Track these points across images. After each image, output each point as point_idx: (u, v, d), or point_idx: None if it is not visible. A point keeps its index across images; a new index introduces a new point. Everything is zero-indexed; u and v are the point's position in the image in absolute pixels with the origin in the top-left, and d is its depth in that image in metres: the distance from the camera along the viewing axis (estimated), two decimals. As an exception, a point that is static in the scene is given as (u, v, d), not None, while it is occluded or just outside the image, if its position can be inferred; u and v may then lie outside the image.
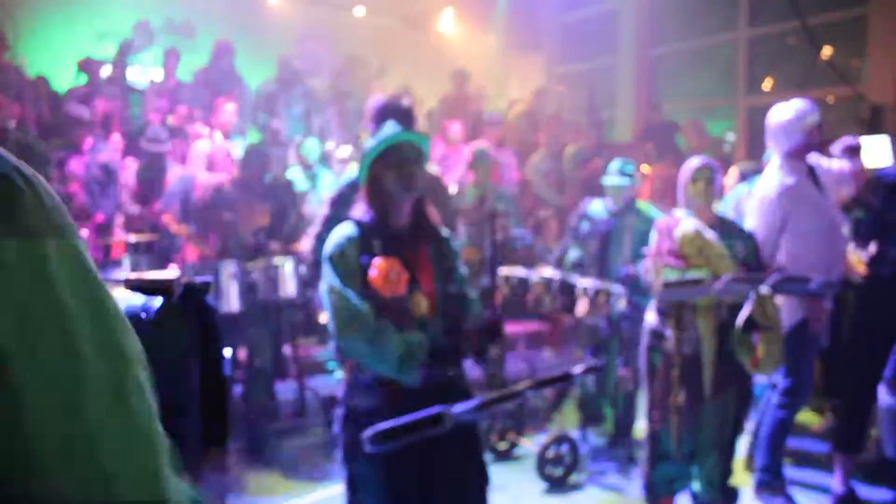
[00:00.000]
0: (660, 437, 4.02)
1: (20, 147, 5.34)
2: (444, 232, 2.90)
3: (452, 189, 6.18)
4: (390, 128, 2.80)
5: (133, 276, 1.19)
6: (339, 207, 3.98)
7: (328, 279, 2.67)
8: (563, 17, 11.94)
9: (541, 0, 11.34)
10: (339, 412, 2.75)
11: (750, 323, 3.65)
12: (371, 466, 2.56)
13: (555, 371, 2.80)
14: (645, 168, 7.55)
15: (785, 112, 4.27)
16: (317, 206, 6.75)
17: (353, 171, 4.10)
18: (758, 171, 5.96)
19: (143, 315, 1.13)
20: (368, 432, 2.14)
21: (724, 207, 4.69)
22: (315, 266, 4.08)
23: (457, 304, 2.81)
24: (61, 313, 0.67)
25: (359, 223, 2.75)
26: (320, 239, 3.75)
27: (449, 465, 2.63)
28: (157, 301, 1.16)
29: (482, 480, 2.83)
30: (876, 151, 7.51)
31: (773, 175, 4.25)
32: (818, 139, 4.31)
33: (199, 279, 1.30)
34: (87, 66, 7.96)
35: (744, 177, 5.79)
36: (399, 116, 4.06)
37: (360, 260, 2.65)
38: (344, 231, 2.74)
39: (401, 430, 2.16)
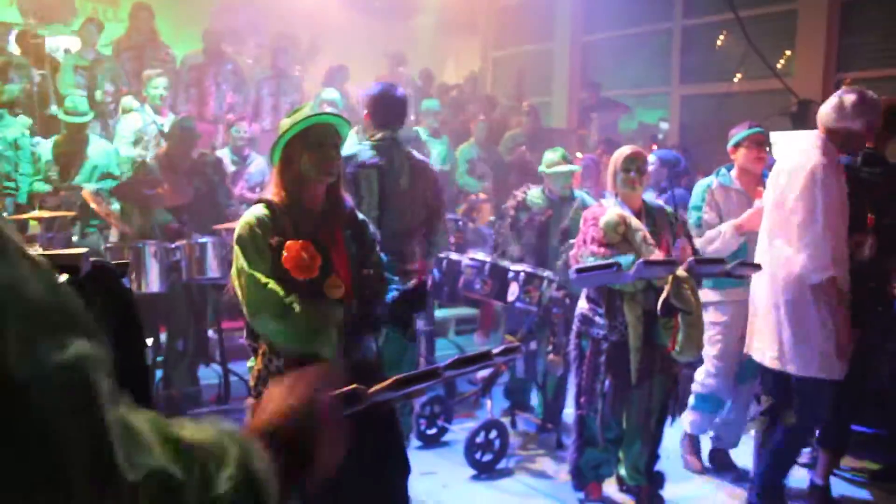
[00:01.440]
0: (587, 423, 4.04)
1: None
2: (360, 216, 2.87)
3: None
4: (306, 109, 2.74)
5: (37, 251, 1.13)
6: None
7: (237, 262, 2.61)
8: (499, 1, 11.92)
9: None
10: (249, 402, 2.67)
11: (669, 307, 3.66)
12: None
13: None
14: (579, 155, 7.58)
15: None
16: (247, 191, 6.60)
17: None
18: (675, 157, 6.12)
19: None
20: None
21: (694, 201, 4.66)
22: None
23: (374, 288, 2.78)
24: None
25: (269, 204, 2.68)
26: None
27: (367, 452, 2.58)
28: (62, 277, 1.10)
29: (403, 468, 2.79)
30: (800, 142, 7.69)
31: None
32: None
33: (114, 261, 1.28)
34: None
35: (664, 163, 5.91)
36: (395, 105, 4.02)
37: (270, 241, 2.58)
38: (255, 212, 2.67)
39: None
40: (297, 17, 9.91)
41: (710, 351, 4.54)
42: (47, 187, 5.79)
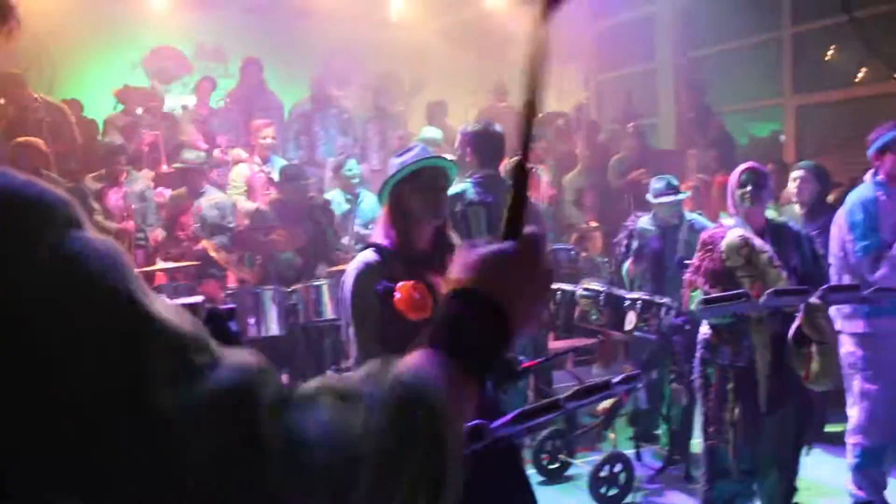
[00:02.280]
0: (717, 454, 3.86)
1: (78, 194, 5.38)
2: None
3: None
4: (417, 150, 2.75)
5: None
6: None
7: (348, 315, 2.66)
8: (597, 25, 11.80)
9: (574, 10, 11.20)
10: None
11: (802, 336, 3.47)
12: None
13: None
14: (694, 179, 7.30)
15: None
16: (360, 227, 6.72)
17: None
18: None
19: None
20: None
21: (854, 216, 4.11)
22: None
23: None
24: (104, 301, 0.69)
25: (379, 248, 2.70)
26: None
27: (491, 487, 2.54)
28: None
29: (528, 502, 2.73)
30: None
31: None
32: None
33: (223, 306, 1.31)
34: (124, 94, 8.05)
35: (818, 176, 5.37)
36: (495, 142, 4.04)
37: (378, 286, 2.59)
38: (364, 257, 2.70)
39: None
40: (399, 55, 10.13)
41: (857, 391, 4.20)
42: (163, 234, 6.07)
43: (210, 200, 6.36)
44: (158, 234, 6.25)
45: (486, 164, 4.01)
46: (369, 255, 2.69)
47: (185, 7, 9.42)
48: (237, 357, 0.78)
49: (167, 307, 0.75)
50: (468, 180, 4.06)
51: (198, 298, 1.22)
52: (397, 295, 2.55)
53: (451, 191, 3.42)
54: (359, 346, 2.60)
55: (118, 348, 0.69)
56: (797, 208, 5.31)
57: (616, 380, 2.48)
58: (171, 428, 0.68)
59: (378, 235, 2.76)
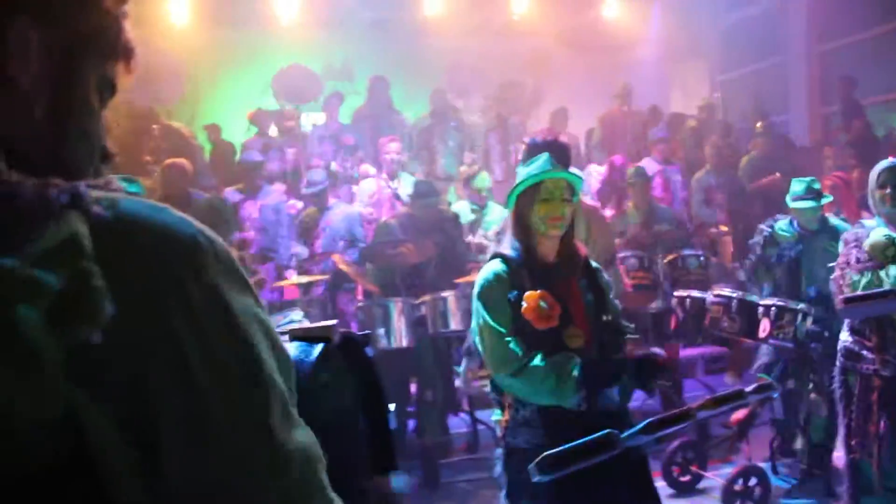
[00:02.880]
0: (861, 469, 3.69)
1: (211, 208, 5.74)
2: (594, 263, 2.87)
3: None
4: (541, 163, 2.77)
5: (294, 327, 1.26)
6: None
7: (478, 317, 2.69)
8: (722, 20, 11.44)
9: (698, 4, 10.90)
10: (499, 452, 2.73)
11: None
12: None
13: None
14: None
15: None
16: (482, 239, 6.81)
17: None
18: None
19: (304, 360, 1.19)
20: (536, 460, 2.07)
21: None
22: None
23: (611, 336, 2.76)
24: (249, 350, 0.78)
25: (506, 258, 2.74)
26: None
27: (619, 498, 2.53)
28: (317, 349, 1.21)
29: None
30: None
31: None
32: None
33: (359, 332, 1.38)
34: (257, 117, 8.46)
35: None
36: (554, 154, 4.01)
37: (510, 295, 2.63)
38: (492, 267, 2.74)
39: (569, 454, 2.07)
40: (520, 64, 10.16)
41: None
42: (305, 250, 6.31)
43: (338, 214, 6.58)
44: (296, 247, 6.51)
45: None
46: (496, 265, 2.74)
47: (312, 25, 9.78)
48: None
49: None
50: None
51: (331, 321, 1.30)
52: (525, 304, 2.59)
53: None
54: (499, 346, 2.61)
55: (250, 383, 0.78)
56: None
57: (749, 389, 2.42)
58: (291, 456, 0.79)
59: (505, 245, 2.80)
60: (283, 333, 1.21)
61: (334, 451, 0.90)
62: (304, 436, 0.81)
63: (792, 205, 4.76)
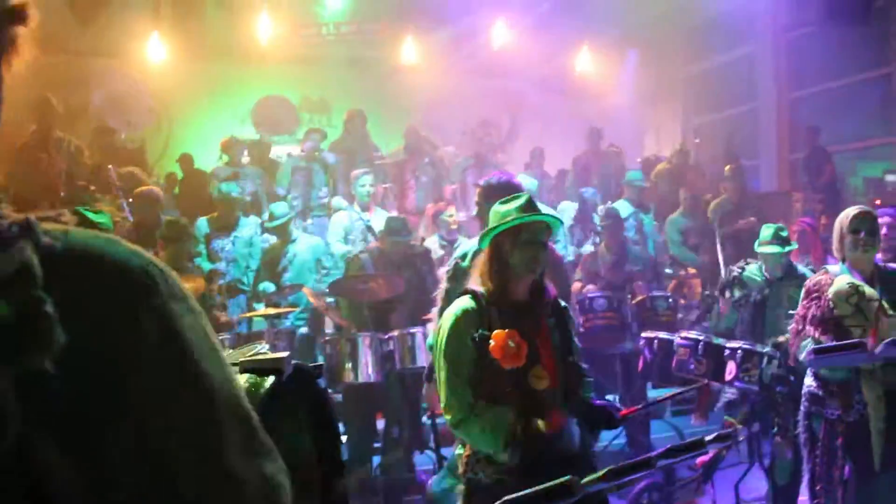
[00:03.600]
0: (826, 514, 3.68)
1: (174, 229, 5.71)
2: (562, 304, 2.87)
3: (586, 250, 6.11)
4: (522, 203, 2.74)
5: (244, 357, 1.23)
6: (456, 281, 3.97)
7: (438, 355, 2.69)
8: (696, 66, 11.67)
9: (672, 51, 11.12)
10: (461, 488, 2.69)
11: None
12: None
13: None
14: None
15: None
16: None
17: (465, 243, 4.12)
18: None
19: (254, 394, 1.17)
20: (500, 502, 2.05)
21: None
22: None
23: (575, 376, 2.76)
24: (195, 370, 0.78)
25: (476, 295, 2.72)
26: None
27: None
28: (269, 381, 1.19)
29: None
30: None
31: None
32: None
33: (311, 363, 1.34)
34: (229, 145, 8.45)
35: None
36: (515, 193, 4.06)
37: (475, 334, 2.61)
38: (461, 304, 2.73)
39: (529, 500, 2.05)
40: (497, 103, 10.27)
41: None
42: (272, 287, 6.25)
43: (302, 245, 6.53)
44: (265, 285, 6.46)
45: None
46: (466, 302, 2.72)
47: (291, 60, 9.84)
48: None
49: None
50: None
51: (283, 354, 1.28)
52: (492, 343, 2.57)
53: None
54: (448, 390, 2.63)
55: (202, 413, 0.77)
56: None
57: (709, 438, 2.41)
58: (244, 488, 0.78)
59: (476, 282, 2.78)
60: (232, 365, 1.20)
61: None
62: (268, 465, 0.81)
63: (759, 249, 4.85)
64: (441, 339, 2.69)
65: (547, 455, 2.52)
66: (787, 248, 4.85)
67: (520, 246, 2.67)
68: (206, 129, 9.59)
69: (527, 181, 7.62)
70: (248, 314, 5.73)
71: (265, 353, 1.31)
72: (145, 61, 9.12)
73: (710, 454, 4.59)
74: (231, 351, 1.31)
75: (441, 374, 2.66)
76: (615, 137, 10.12)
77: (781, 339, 4.42)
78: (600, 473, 2.23)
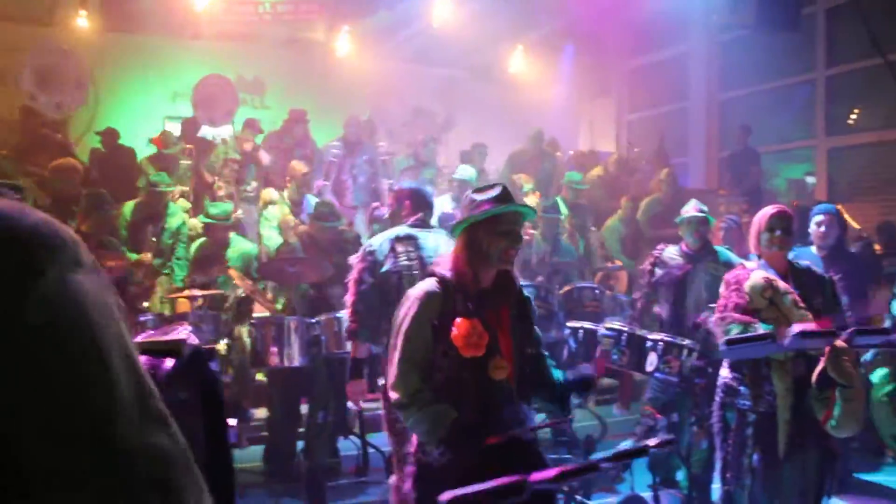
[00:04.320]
0: (735, 499, 3.80)
1: (92, 200, 5.60)
2: (526, 294, 2.85)
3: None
4: (500, 193, 2.73)
5: (142, 338, 1.20)
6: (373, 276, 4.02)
7: (396, 339, 2.66)
8: (632, 62, 11.85)
9: (609, 47, 11.26)
10: (409, 469, 2.69)
11: (826, 379, 3.41)
12: None
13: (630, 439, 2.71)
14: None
15: None
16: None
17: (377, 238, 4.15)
18: None
19: (152, 376, 1.14)
20: (446, 496, 2.05)
21: None
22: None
23: (534, 366, 2.77)
24: (89, 335, 0.75)
25: (442, 279, 2.70)
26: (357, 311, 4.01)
27: None
28: (169, 363, 1.16)
29: None
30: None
31: None
32: None
33: (205, 345, 1.32)
34: (162, 139, 8.21)
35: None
36: (423, 205, 4.18)
37: (438, 319, 2.61)
38: (426, 286, 2.71)
39: (481, 497, 2.07)
40: (433, 91, 10.25)
41: None
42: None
43: (236, 251, 6.38)
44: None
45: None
46: (432, 285, 2.70)
47: (226, 38, 9.65)
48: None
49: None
50: (401, 226, 4.20)
51: (183, 335, 1.25)
52: (455, 331, 2.57)
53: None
54: (398, 372, 2.62)
55: (93, 383, 0.75)
56: (814, 250, 5.29)
57: (653, 443, 2.48)
58: (132, 459, 0.75)
59: (443, 267, 2.76)
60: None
61: None
62: (162, 436, 0.79)
63: (682, 213, 5.03)
64: (402, 320, 2.67)
65: (495, 434, 2.55)
66: (706, 216, 5.04)
67: (496, 236, 2.67)
68: (136, 105, 9.34)
69: (466, 172, 7.66)
70: (173, 295, 5.61)
71: (185, 335, 1.29)
72: (76, 31, 8.83)
73: (630, 444, 4.70)
74: (152, 332, 1.28)
75: (395, 354, 2.64)
76: (550, 129, 10.21)
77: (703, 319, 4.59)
78: (551, 476, 2.26)
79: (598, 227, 8.54)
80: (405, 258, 3.96)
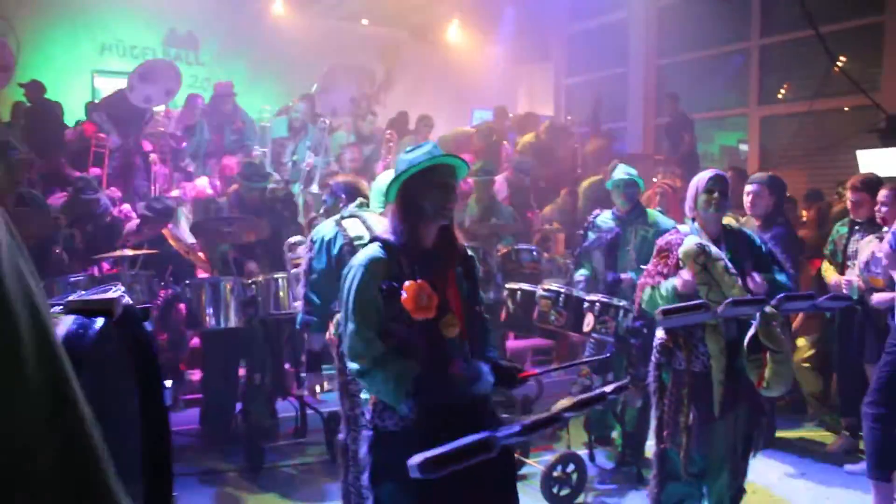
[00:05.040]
0: (669, 457, 3.89)
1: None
2: (469, 253, 2.83)
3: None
4: (430, 149, 2.69)
5: (74, 297, 1.15)
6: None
7: (348, 309, 2.61)
8: (571, 27, 11.85)
9: (549, 11, 11.23)
10: (366, 434, 2.67)
11: (757, 343, 3.51)
12: (403, 489, 2.46)
13: (584, 391, 2.73)
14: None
15: None
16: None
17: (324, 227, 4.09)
18: None
19: (82, 335, 1.09)
20: (416, 460, 2.03)
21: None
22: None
23: (481, 327, 2.76)
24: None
25: (385, 244, 2.65)
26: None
27: (484, 482, 2.53)
28: (98, 322, 1.11)
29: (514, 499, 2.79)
30: (891, 162, 7.37)
31: None
32: None
33: (140, 305, 1.29)
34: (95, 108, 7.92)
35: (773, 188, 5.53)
36: (358, 195, 4.15)
37: (383, 284, 2.56)
38: (369, 252, 2.65)
39: (451, 457, 2.06)
40: (371, 51, 10.10)
41: None
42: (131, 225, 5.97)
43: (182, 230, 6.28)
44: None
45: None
46: (375, 250, 2.64)
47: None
48: None
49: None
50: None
51: (115, 294, 1.19)
52: (404, 294, 2.52)
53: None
54: (359, 339, 2.56)
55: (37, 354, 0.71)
56: (752, 219, 5.41)
57: (610, 390, 2.51)
58: (36, 456, 0.69)
59: (384, 232, 2.71)
60: (56, 304, 1.11)
61: (111, 433, 0.82)
62: (74, 426, 0.73)
63: (613, 176, 5.10)
64: (348, 289, 2.61)
65: (452, 402, 2.53)
66: (636, 179, 5.14)
67: (431, 189, 2.62)
68: (62, 58, 8.95)
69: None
70: (105, 255, 5.43)
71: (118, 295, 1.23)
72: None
73: (567, 402, 4.77)
74: (82, 292, 1.22)
75: (350, 325, 2.58)
76: (489, 93, 10.18)
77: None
78: (516, 430, 2.27)
79: (540, 208, 8.58)
80: (354, 231, 3.92)
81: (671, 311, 3.55)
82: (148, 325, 1.21)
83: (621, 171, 5.18)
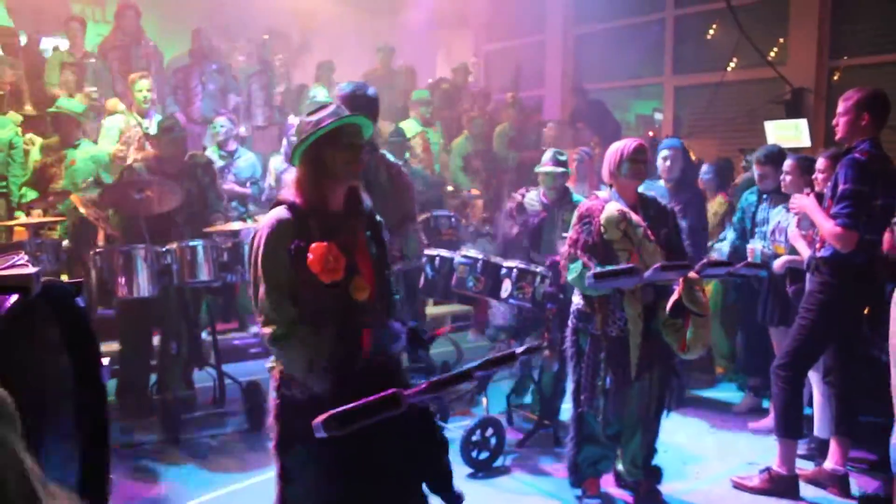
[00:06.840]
0: (586, 420, 4.00)
1: None
2: (377, 217, 2.80)
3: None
4: (334, 108, 2.65)
5: (23, 260, 1.11)
6: None
7: (254, 267, 2.56)
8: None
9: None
10: (273, 401, 2.62)
11: (679, 308, 3.63)
12: (310, 455, 2.46)
13: (497, 352, 2.76)
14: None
15: None
16: (233, 185, 6.64)
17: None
18: None
19: None
20: (320, 418, 2.01)
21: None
22: None
23: (389, 293, 2.75)
24: None
25: (292, 206, 2.60)
26: None
27: (393, 446, 2.53)
28: (12, 299, 1.06)
29: (437, 451, 2.79)
30: (795, 132, 7.66)
31: None
32: None
33: (69, 280, 1.26)
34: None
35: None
36: (367, 105, 3.94)
37: (293, 245, 2.51)
38: (275, 214, 2.60)
39: (355, 413, 2.03)
40: (288, 13, 9.85)
41: None
42: (34, 194, 5.72)
43: (85, 153, 6.02)
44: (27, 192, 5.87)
45: None
46: (282, 213, 2.59)
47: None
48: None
49: None
50: None
51: (31, 269, 1.14)
52: (310, 256, 2.49)
53: None
54: (270, 304, 2.52)
55: None
56: (662, 183, 5.59)
57: (520, 350, 2.54)
58: None
59: (290, 193, 2.65)
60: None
61: (37, 412, 0.80)
62: None
63: (538, 170, 5.12)
64: (255, 253, 2.56)
65: (361, 366, 2.53)
66: (563, 171, 5.14)
67: (339, 150, 2.59)
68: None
69: (321, 94, 7.47)
70: (6, 223, 5.19)
71: (22, 264, 1.18)
72: None
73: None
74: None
75: (260, 289, 2.54)
76: (407, 58, 10.09)
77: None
78: (424, 386, 2.27)
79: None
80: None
81: (602, 275, 3.63)
82: (80, 301, 1.16)
83: (550, 162, 5.17)
